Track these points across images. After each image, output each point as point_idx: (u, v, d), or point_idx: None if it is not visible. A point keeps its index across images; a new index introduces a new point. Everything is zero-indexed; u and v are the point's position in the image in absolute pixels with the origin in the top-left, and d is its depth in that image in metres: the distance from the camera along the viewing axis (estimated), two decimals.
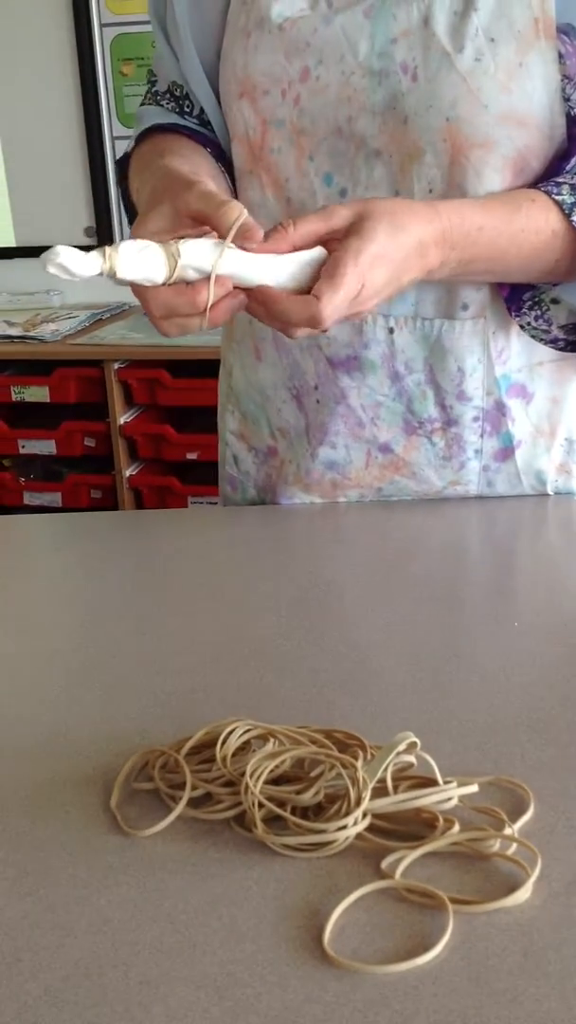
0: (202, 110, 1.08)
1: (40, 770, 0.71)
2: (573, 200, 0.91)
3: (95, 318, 2.93)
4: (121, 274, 0.76)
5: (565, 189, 0.91)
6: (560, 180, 0.92)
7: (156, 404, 2.78)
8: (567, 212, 0.90)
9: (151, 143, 1.05)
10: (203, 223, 0.79)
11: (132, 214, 1.08)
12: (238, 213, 0.77)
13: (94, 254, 0.75)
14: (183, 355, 2.63)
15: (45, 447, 2.88)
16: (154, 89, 1.12)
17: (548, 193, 0.90)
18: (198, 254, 0.77)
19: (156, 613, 0.93)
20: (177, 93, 1.09)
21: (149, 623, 0.91)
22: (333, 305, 0.78)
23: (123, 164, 1.10)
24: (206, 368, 2.46)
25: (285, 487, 1.13)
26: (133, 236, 0.80)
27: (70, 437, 2.85)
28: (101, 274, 0.76)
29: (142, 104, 1.14)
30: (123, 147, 3.18)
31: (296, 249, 0.80)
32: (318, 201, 0.97)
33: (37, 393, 2.82)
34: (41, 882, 0.60)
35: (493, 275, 0.95)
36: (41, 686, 0.82)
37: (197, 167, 0.96)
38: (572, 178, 0.92)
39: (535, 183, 0.94)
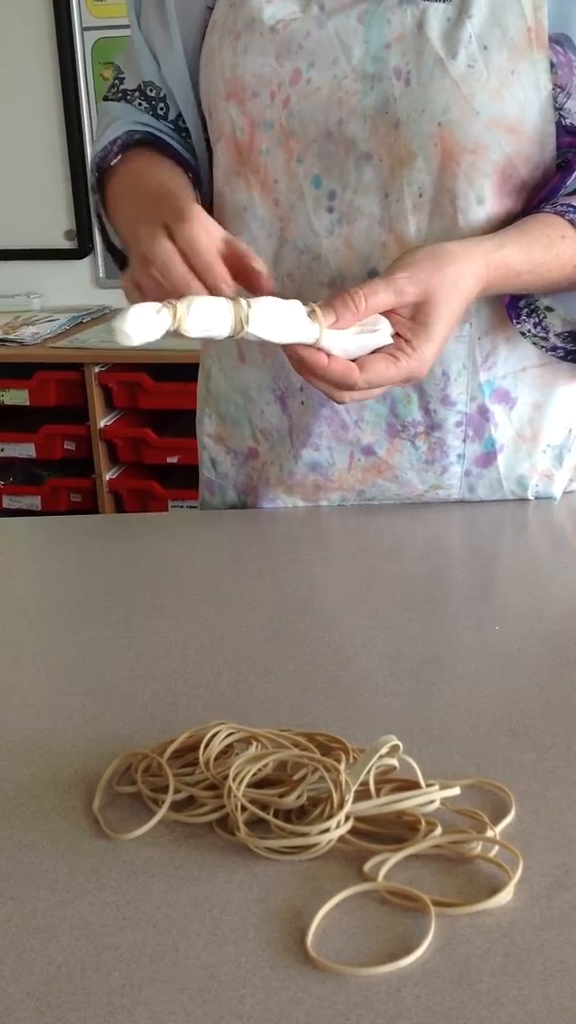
0: (179, 115, 1.08)
1: (22, 773, 0.70)
2: None
3: (75, 321, 2.93)
4: (186, 332, 0.76)
5: None
6: (575, 203, 0.94)
7: (137, 407, 2.77)
8: None
9: (133, 166, 1.03)
10: None
11: (104, 233, 1.09)
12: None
13: (164, 313, 0.75)
14: (164, 359, 2.62)
15: (25, 450, 2.87)
16: (123, 87, 1.10)
17: (572, 222, 0.92)
18: (269, 326, 0.79)
19: (138, 617, 0.92)
20: (151, 93, 1.08)
21: (131, 627, 0.90)
22: (369, 380, 0.83)
23: (100, 173, 1.07)
24: (187, 372, 2.44)
25: (267, 488, 1.13)
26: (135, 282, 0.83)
27: (50, 440, 2.84)
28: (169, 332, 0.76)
29: (106, 98, 1.12)
30: None
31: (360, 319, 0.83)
32: (307, 203, 0.98)
33: (17, 396, 2.82)
34: (23, 886, 0.60)
35: (519, 292, 0.99)
36: (22, 689, 0.81)
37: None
38: None
39: (541, 197, 0.96)
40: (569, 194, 0.96)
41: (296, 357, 0.82)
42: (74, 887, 0.60)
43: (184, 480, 2.66)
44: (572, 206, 0.94)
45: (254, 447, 1.14)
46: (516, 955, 0.54)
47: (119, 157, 1.05)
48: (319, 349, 0.81)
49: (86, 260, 3.08)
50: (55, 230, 3.07)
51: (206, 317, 0.76)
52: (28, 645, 0.89)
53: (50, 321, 2.92)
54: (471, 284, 0.88)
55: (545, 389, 1.06)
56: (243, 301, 0.78)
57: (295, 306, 0.81)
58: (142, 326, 0.74)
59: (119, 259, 1.10)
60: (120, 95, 1.10)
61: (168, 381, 2.67)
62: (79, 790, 0.68)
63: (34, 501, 2.91)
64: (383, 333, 0.83)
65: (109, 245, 1.11)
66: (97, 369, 2.72)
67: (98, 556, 1.08)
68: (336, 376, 0.82)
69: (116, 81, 1.12)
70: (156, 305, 0.75)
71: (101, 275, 3.09)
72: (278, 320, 0.79)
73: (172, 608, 0.94)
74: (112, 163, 1.05)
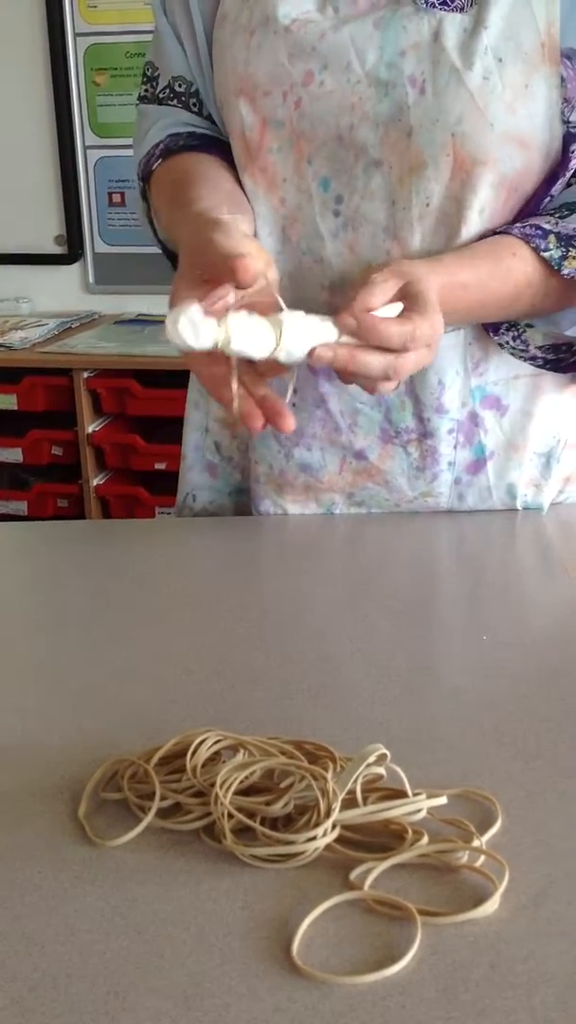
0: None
1: (7, 779, 0.70)
2: (561, 254, 0.93)
3: (64, 326, 2.93)
4: (234, 347, 0.77)
5: (552, 241, 0.93)
6: (545, 227, 0.93)
7: (125, 414, 2.77)
8: (555, 267, 0.93)
9: (170, 166, 1.03)
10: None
11: (155, 235, 1.10)
12: (265, 279, 0.79)
13: (213, 324, 0.76)
14: (153, 365, 2.62)
15: (12, 455, 2.86)
16: (159, 88, 1.08)
17: (536, 249, 0.92)
18: (298, 341, 0.80)
19: (125, 623, 0.92)
20: (179, 89, 1.07)
21: (118, 633, 0.90)
22: (403, 331, 0.81)
23: (144, 178, 1.08)
24: (176, 378, 2.45)
25: (257, 486, 1.13)
26: (174, 288, 0.83)
27: (37, 446, 2.83)
28: (215, 345, 0.77)
29: (142, 99, 1.11)
30: (95, 157, 3.14)
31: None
32: (314, 204, 0.98)
33: (5, 401, 2.81)
34: (8, 892, 0.60)
35: (473, 321, 0.99)
36: (9, 695, 0.81)
37: (221, 202, 0.95)
38: (556, 224, 0.94)
39: (520, 213, 0.96)
40: (554, 208, 0.96)
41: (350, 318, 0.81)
42: (59, 893, 0.60)
43: (171, 487, 2.63)
44: (540, 230, 0.93)
45: (245, 439, 1.14)
46: (502, 965, 0.54)
47: (160, 161, 1.05)
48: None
49: (76, 265, 3.08)
50: (45, 235, 3.06)
51: (246, 331, 0.78)
52: (14, 650, 0.89)
53: (39, 326, 2.91)
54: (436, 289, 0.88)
55: (537, 398, 1.06)
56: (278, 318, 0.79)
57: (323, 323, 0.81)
58: (193, 326, 0.76)
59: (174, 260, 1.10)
60: (153, 95, 1.09)
61: (157, 387, 2.67)
62: (65, 796, 0.68)
63: (20, 506, 2.90)
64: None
65: (164, 249, 1.11)
66: (86, 374, 2.71)
67: (85, 562, 1.08)
68: (392, 334, 0.81)
69: (149, 82, 1.10)
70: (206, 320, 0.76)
71: (90, 280, 3.09)
72: (306, 336, 0.80)
73: (160, 615, 0.94)
74: (153, 167, 1.05)
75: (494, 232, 0.96)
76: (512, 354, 1.02)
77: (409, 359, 0.82)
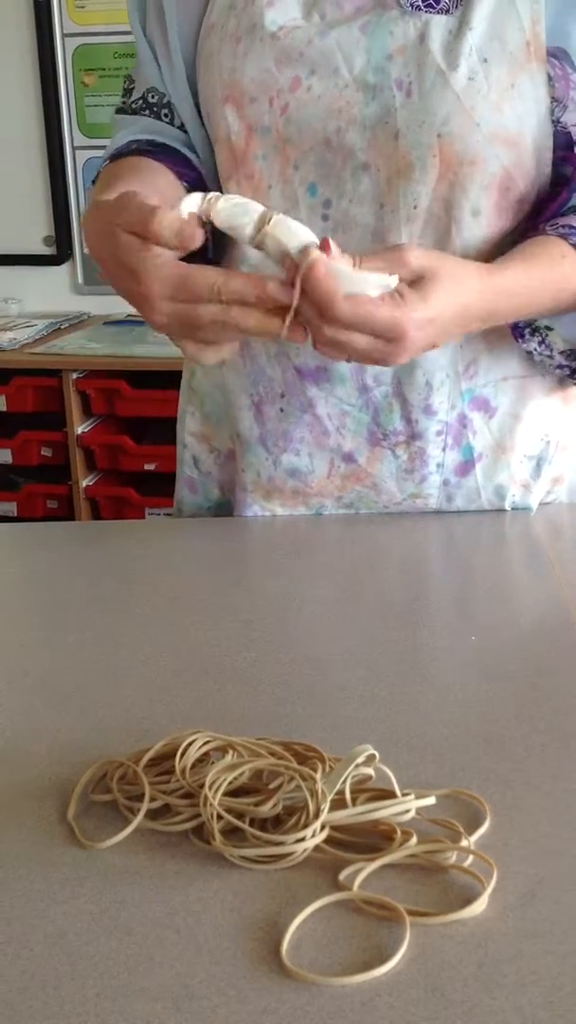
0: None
1: None
2: None
3: (54, 327, 2.92)
4: (215, 218, 0.80)
5: None
6: (575, 224, 0.93)
7: (114, 414, 2.77)
8: None
9: (115, 165, 1.03)
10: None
11: None
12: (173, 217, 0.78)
13: (197, 196, 0.80)
14: (142, 366, 2.62)
15: (1, 456, 2.86)
16: (132, 99, 1.09)
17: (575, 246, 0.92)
18: (286, 234, 0.80)
19: (114, 624, 0.92)
20: (152, 100, 1.07)
21: (107, 634, 0.90)
22: (352, 309, 0.78)
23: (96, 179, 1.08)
24: (165, 379, 2.45)
25: (244, 494, 1.13)
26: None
27: (26, 446, 2.83)
28: (200, 216, 0.80)
29: (118, 111, 1.12)
30: (84, 157, 3.15)
31: None
32: (301, 211, 0.98)
33: None
34: None
35: (518, 320, 0.98)
36: None
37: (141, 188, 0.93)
38: None
39: (550, 214, 0.95)
40: (567, 212, 0.96)
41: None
42: (48, 896, 0.60)
43: (161, 488, 2.65)
44: (572, 226, 0.93)
45: (232, 448, 1.14)
46: (490, 965, 0.54)
47: (107, 163, 1.05)
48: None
49: (65, 266, 3.08)
50: (34, 236, 3.06)
51: (231, 208, 0.80)
52: (3, 652, 0.89)
53: (28, 327, 2.91)
54: (475, 286, 0.86)
55: (525, 400, 1.07)
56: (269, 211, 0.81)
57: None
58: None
59: None
60: (130, 109, 1.10)
61: (146, 388, 2.67)
62: (54, 798, 0.68)
63: (10, 507, 2.90)
64: (379, 282, 0.80)
65: None
66: (75, 376, 2.71)
67: (74, 563, 1.08)
68: (322, 290, 0.77)
69: (125, 94, 1.11)
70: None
71: (80, 281, 3.08)
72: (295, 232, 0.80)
73: (149, 616, 0.94)
74: (102, 165, 1.05)
75: (511, 232, 0.96)
76: (540, 363, 1.02)
77: (330, 335, 0.80)
